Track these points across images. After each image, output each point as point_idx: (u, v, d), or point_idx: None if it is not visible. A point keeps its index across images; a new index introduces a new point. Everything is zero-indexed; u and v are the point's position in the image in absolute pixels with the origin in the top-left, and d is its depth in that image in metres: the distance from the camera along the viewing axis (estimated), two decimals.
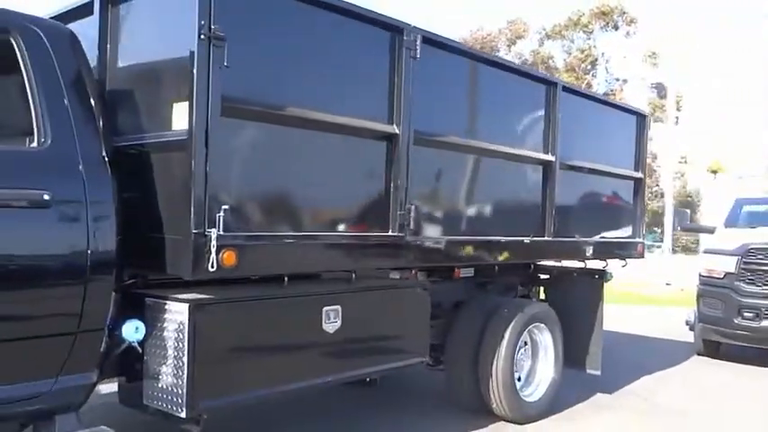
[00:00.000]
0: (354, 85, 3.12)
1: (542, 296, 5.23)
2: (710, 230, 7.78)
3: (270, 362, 2.84)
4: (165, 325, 2.57)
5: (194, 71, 2.43)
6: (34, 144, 2.35)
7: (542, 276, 5.14)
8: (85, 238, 2.35)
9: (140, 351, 2.61)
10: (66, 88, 2.43)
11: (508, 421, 4.16)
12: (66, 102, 2.41)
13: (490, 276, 4.47)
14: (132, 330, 2.51)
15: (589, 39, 31.54)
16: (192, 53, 2.44)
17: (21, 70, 2.39)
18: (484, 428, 4.08)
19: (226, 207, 2.51)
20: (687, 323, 7.20)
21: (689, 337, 7.13)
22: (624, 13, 30.77)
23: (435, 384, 4.49)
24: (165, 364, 2.58)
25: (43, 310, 2.32)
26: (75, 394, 2.42)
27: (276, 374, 2.85)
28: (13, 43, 2.38)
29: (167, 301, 2.57)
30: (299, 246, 2.82)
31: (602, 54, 31.22)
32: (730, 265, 6.42)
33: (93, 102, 2.50)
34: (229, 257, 2.52)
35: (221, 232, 2.48)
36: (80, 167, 2.39)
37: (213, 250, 2.46)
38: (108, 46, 2.87)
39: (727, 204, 8.27)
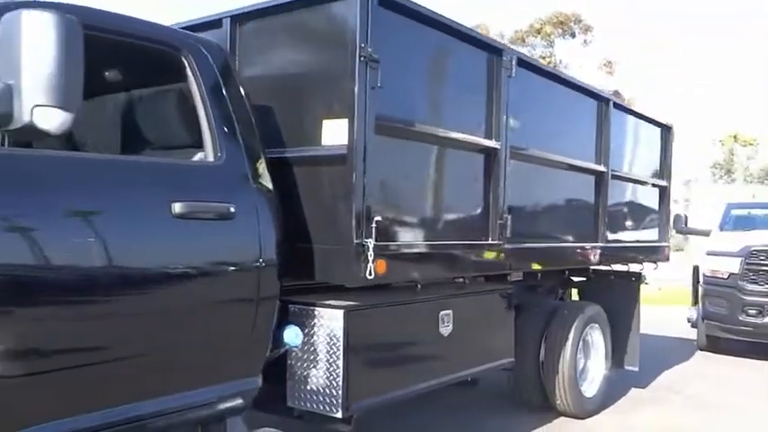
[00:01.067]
0: (467, 103, 3.35)
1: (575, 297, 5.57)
2: (706, 233, 8.32)
3: (404, 363, 3.03)
4: (319, 330, 2.72)
5: (355, 90, 2.60)
6: (210, 159, 2.46)
7: (575, 279, 5.46)
8: (258, 248, 2.49)
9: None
10: (232, 104, 2.56)
11: (570, 416, 4.45)
12: (233, 117, 2.54)
13: (535, 280, 4.75)
14: (293, 336, 2.66)
15: (549, 46, 32.54)
16: (352, 73, 2.61)
17: (190, 88, 2.50)
18: (549, 424, 4.35)
19: (378, 218, 2.69)
20: (689, 320, 7.70)
21: (684, 333, 7.67)
22: (580, 21, 31.88)
23: (488, 385, 4.72)
24: (316, 367, 2.73)
25: (225, 317, 2.44)
26: (244, 398, 2.55)
27: (409, 376, 3.04)
28: (185, 62, 2.49)
29: (322, 308, 2.72)
30: (431, 254, 3.02)
31: (561, 61, 32.35)
32: (734, 266, 6.92)
33: (252, 116, 2.64)
34: (381, 266, 2.69)
35: (376, 242, 2.66)
36: (250, 180, 2.52)
37: (371, 259, 2.63)
38: (237, 60, 3.00)
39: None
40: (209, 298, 2.38)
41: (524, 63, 3.68)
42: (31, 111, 1.50)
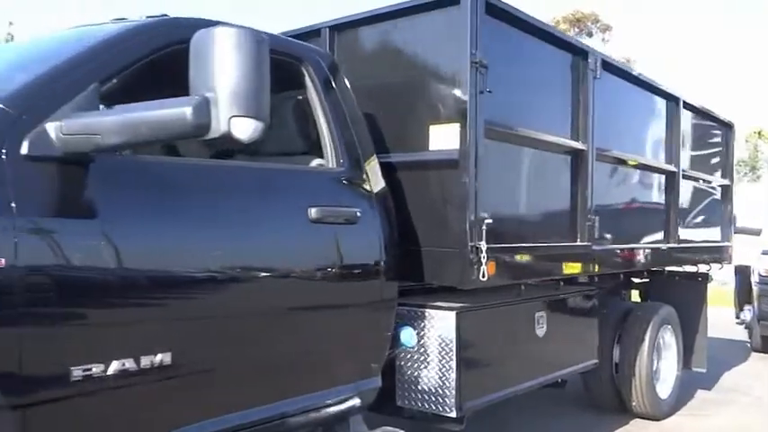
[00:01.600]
0: (557, 105, 3.41)
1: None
2: (757, 233, 8.28)
3: (508, 364, 3.09)
4: (430, 331, 2.79)
5: (467, 95, 2.68)
6: (332, 165, 2.55)
7: (636, 281, 5.48)
8: (379, 251, 2.57)
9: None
10: (348, 111, 2.64)
11: (645, 418, 4.46)
12: (350, 124, 2.63)
13: (604, 282, 4.78)
14: (409, 337, 2.74)
15: None
16: (464, 79, 2.68)
17: (310, 96, 2.59)
18: (626, 426, 4.38)
19: (488, 221, 2.75)
20: (742, 321, 7.67)
21: (732, 335, 7.64)
22: (597, 21, 31.74)
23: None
24: (428, 367, 2.80)
25: (352, 318, 2.52)
26: (366, 397, 2.62)
27: (513, 376, 3.10)
28: (305, 72, 2.59)
29: (433, 309, 2.79)
30: (533, 255, 3.08)
31: None
32: None
33: (365, 123, 2.72)
34: (492, 268, 2.76)
35: (487, 245, 2.72)
36: (369, 185, 2.60)
37: (483, 261, 2.70)
38: None
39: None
40: (339, 300, 2.47)
41: (608, 65, 3.73)
42: (229, 121, 1.59)
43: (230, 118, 1.60)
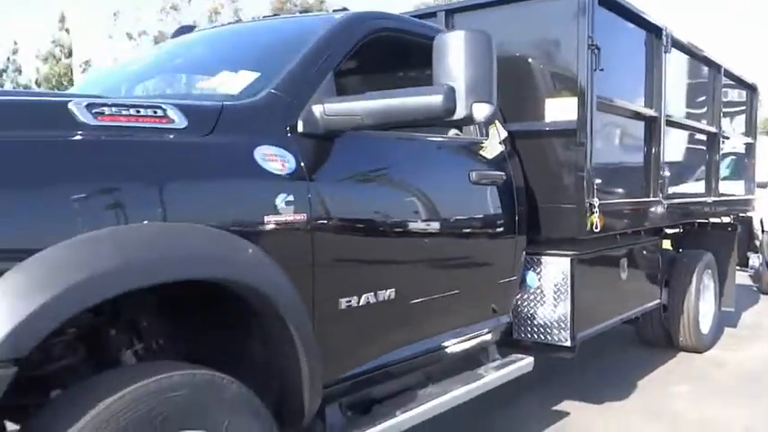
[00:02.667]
0: (639, 78, 3.87)
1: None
2: (764, 185, 8.92)
3: (605, 301, 3.63)
4: (549, 274, 3.29)
5: (585, 73, 3.13)
6: (476, 135, 3.00)
7: (669, 231, 6.05)
8: (514, 207, 3.05)
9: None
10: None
11: (690, 351, 5.07)
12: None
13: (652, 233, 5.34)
14: (533, 279, 3.24)
15: None
16: (582, 59, 3.13)
17: None
18: (675, 358, 4.98)
19: (598, 181, 3.24)
20: (752, 268, 8.35)
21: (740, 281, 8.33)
22: None
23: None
24: (544, 305, 3.31)
25: (496, 263, 3.01)
26: (500, 331, 3.15)
27: (609, 312, 3.65)
28: None
29: (551, 257, 3.29)
30: (627, 209, 3.60)
31: None
32: None
33: None
34: (601, 220, 3.26)
35: (598, 201, 3.21)
36: (506, 151, 3.07)
37: (596, 215, 3.20)
38: None
39: None
40: (488, 248, 2.97)
41: (675, 40, 4.19)
42: (470, 106, 2.03)
43: (472, 103, 2.04)
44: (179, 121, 1.80)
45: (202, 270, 1.64)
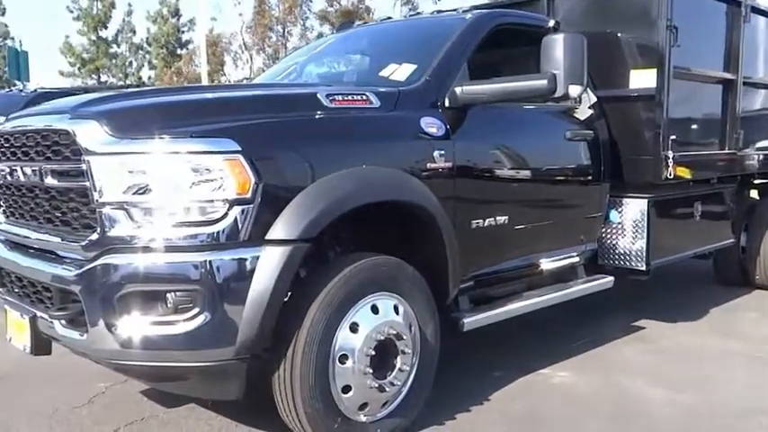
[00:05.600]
0: (718, 45, 4.58)
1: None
2: None
3: (677, 236, 4.47)
4: (628, 213, 4.16)
5: (665, 50, 3.92)
6: (572, 103, 3.90)
7: (757, 182, 6.60)
8: (601, 158, 3.95)
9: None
10: None
11: (764, 289, 5.74)
12: None
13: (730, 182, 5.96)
14: (615, 215, 4.14)
15: None
16: (662, 37, 3.92)
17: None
18: (748, 294, 5.68)
19: (673, 137, 4.05)
20: None
21: None
22: None
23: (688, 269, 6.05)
24: (624, 237, 4.19)
25: (588, 202, 3.96)
26: (588, 256, 4.09)
27: (680, 245, 4.50)
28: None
29: (631, 198, 4.15)
30: (700, 161, 4.39)
31: None
32: None
33: None
34: (676, 169, 4.09)
35: (672, 153, 4.04)
36: (596, 112, 3.96)
37: (671, 165, 4.03)
38: None
39: None
40: (581, 190, 3.92)
41: (755, 9, 4.80)
42: (567, 86, 2.96)
43: (569, 85, 2.97)
44: (375, 102, 2.87)
45: (399, 195, 2.73)
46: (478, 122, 3.22)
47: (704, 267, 5.98)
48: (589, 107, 3.98)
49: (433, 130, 2.98)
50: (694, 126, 4.52)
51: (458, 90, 3.13)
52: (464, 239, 3.10)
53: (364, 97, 2.86)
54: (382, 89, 3.01)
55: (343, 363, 2.55)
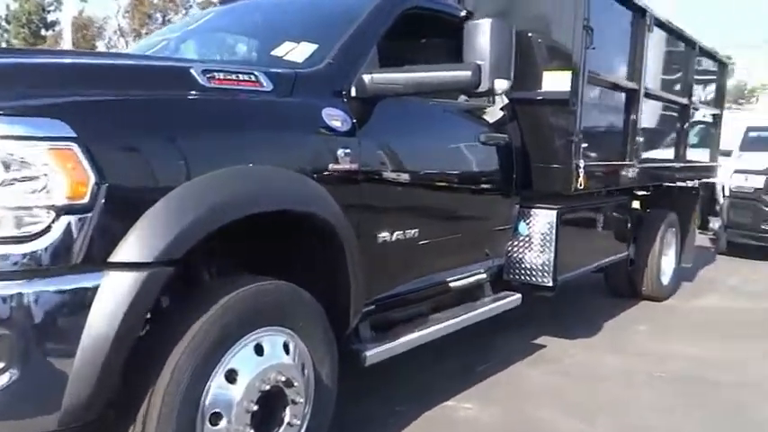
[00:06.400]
0: (623, 55, 4.41)
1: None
2: (727, 153, 9.69)
3: (581, 249, 4.25)
4: (537, 224, 3.86)
5: (580, 51, 3.65)
6: (485, 102, 3.52)
7: (638, 192, 6.72)
8: (513, 165, 3.61)
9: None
10: None
11: (651, 300, 5.78)
12: None
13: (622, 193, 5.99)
14: (525, 227, 3.82)
15: None
16: (577, 37, 3.65)
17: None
18: (637, 306, 5.69)
19: (584, 145, 3.80)
20: (711, 230, 9.16)
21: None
22: None
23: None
24: (532, 250, 3.90)
25: (496, 212, 3.59)
26: (494, 272, 3.74)
27: (584, 259, 4.28)
28: None
29: (540, 209, 3.86)
30: (606, 171, 4.18)
31: None
32: (759, 182, 8.32)
33: None
34: (584, 179, 3.84)
35: (584, 163, 3.79)
36: (508, 116, 3.60)
37: (581, 175, 3.77)
38: None
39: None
40: (494, 200, 3.53)
41: (657, 20, 4.72)
42: (493, 81, 2.54)
43: (494, 79, 2.55)
44: (266, 84, 2.28)
45: (295, 204, 2.16)
46: (388, 118, 2.73)
47: (593, 279, 5.94)
48: (501, 108, 3.64)
49: (336, 124, 2.44)
50: (601, 135, 4.33)
51: (366, 78, 2.61)
52: (369, 256, 2.60)
53: (252, 78, 2.25)
54: (276, 70, 2.43)
55: (215, 424, 1.93)
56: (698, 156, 6.54)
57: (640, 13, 4.52)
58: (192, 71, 2.10)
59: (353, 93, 2.58)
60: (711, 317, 5.52)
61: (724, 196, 9.04)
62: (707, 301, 6.04)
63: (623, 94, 4.57)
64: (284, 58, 2.64)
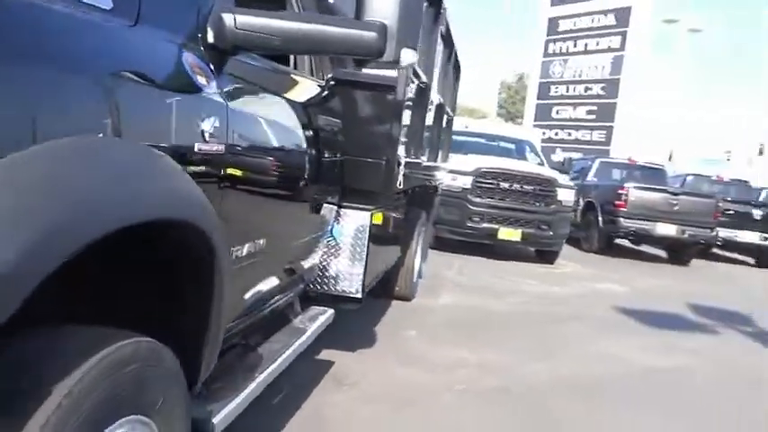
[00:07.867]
0: (423, 46, 4.18)
1: None
2: None
3: (382, 255, 3.89)
4: (350, 227, 3.37)
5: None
6: None
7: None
8: (338, 159, 3.05)
9: None
10: None
11: (401, 299, 5.78)
12: None
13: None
14: (339, 231, 3.29)
15: None
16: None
17: None
18: (392, 307, 5.62)
19: (404, 139, 3.45)
20: None
21: None
22: None
23: None
24: (343, 257, 3.40)
25: (311, 218, 2.97)
26: (308, 283, 3.14)
27: (382, 264, 3.93)
28: None
29: (354, 211, 3.37)
30: (414, 170, 3.89)
31: None
32: (467, 182, 9.21)
33: None
34: (402, 178, 3.50)
35: (405, 159, 3.44)
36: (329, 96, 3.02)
37: (402, 171, 3.41)
38: None
39: None
40: (318, 200, 2.92)
41: (445, 34, 4.65)
42: (400, 50, 1.96)
43: (402, 49, 1.99)
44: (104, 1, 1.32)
45: (175, 210, 1.28)
46: (247, 83, 1.94)
47: None
48: (321, 86, 3.05)
49: (202, 81, 1.59)
50: (413, 131, 4.05)
51: (227, 18, 1.78)
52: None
53: None
54: None
55: None
56: (441, 156, 6.85)
57: (437, 6, 4.38)
58: None
59: (210, 38, 1.73)
60: (461, 315, 5.79)
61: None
62: (446, 299, 6.33)
63: (423, 90, 4.37)
64: None
